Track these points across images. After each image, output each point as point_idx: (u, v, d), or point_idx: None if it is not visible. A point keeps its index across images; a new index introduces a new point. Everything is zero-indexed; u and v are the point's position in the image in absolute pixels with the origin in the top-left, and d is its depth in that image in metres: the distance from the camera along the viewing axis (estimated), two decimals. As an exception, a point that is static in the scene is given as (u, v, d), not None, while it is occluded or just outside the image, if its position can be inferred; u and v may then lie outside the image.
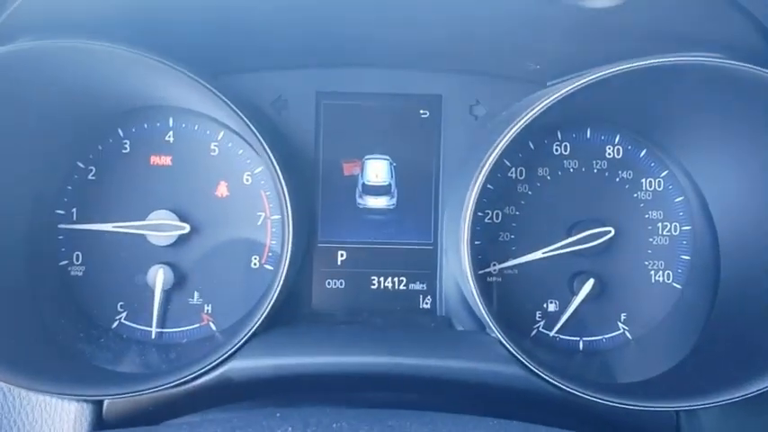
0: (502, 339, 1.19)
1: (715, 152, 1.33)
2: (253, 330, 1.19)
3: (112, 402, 1.17)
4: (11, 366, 1.11)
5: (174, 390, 1.16)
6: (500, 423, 1.03)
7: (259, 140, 1.18)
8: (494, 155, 1.20)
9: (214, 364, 1.16)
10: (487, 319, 1.20)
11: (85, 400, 1.16)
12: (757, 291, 1.26)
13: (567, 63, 1.29)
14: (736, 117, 1.21)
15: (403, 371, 1.18)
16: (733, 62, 1.06)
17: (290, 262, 1.21)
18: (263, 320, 1.20)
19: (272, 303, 1.20)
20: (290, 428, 0.93)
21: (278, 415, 0.99)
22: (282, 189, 1.20)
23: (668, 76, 1.14)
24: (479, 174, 1.21)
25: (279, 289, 1.21)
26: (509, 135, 1.19)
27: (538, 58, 1.30)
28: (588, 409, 1.16)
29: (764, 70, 1.05)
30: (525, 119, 1.17)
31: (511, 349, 1.18)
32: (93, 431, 1.16)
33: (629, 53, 1.15)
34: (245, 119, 1.18)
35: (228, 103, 1.17)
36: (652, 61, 1.09)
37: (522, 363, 1.17)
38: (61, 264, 1.39)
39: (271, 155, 1.19)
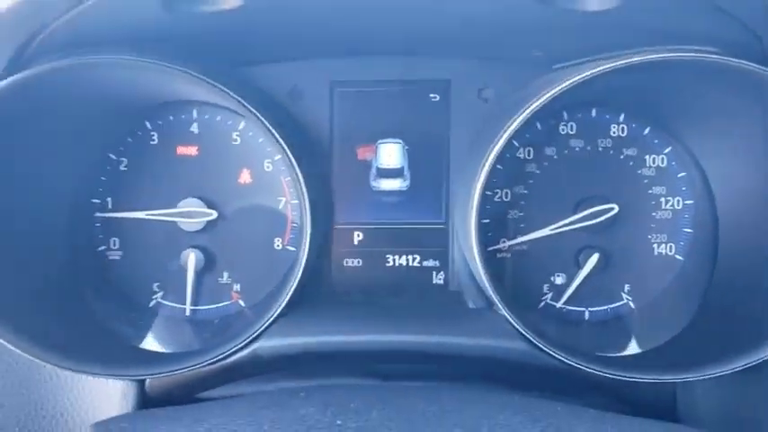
0: (507, 315, 1.27)
1: (716, 133, 1.36)
2: (279, 310, 1.29)
3: (154, 379, 1.29)
4: (60, 350, 1.22)
5: (209, 367, 1.28)
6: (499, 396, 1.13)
7: (269, 130, 1.25)
8: (504, 137, 1.25)
9: (245, 342, 1.27)
10: (493, 296, 1.28)
11: (130, 380, 1.28)
12: (753, 267, 1.32)
13: (569, 51, 1.33)
14: (736, 104, 1.24)
15: (415, 348, 1.28)
16: (727, 58, 1.09)
17: (309, 243, 1.30)
18: (288, 300, 1.29)
19: (295, 283, 1.30)
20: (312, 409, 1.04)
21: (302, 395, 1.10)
22: (297, 175, 1.27)
23: (668, 68, 1.17)
24: (489, 155, 1.26)
25: (301, 269, 1.30)
26: (519, 119, 1.24)
27: (540, 47, 1.34)
28: (591, 379, 1.24)
29: (754, 65, 1.09)
30: (533, 106, 1.22)
31: (516, 325, 1.27)
32: (137, 405, 1.29)
33: (629, 45, 1.19)
34: (255, 111, 1.24)
35: (238, 98, 1.24)
36: (650, 57, 1.13)
37: (527, 338, 1.26)
38: (99, 249, 1.49)
39: (283, 144, 1.26)
